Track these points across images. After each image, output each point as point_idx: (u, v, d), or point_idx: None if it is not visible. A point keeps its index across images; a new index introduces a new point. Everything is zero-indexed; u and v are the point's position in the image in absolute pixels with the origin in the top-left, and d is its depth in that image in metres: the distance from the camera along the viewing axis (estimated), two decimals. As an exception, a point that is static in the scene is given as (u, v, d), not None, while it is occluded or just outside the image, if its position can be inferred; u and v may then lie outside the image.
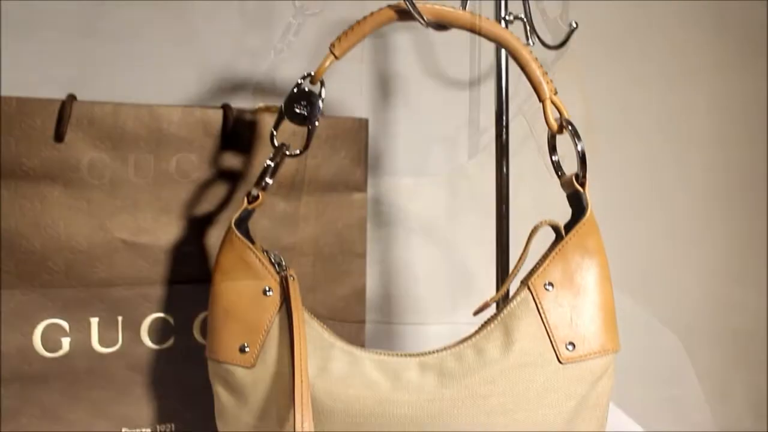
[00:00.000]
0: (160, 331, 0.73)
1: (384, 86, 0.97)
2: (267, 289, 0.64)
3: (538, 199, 0.86)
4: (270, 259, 0.65)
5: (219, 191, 0.75)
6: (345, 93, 0.94)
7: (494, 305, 0.71)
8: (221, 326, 0.64)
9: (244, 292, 0.64)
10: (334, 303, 0.79)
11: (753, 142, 1.10)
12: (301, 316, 0.62)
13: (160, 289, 0.73)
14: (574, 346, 0.62)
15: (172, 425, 0.74)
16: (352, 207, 0.80)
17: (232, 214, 0.66)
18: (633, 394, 0.90)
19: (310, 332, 0.63)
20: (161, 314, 0.73)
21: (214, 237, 0.74)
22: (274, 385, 0.62)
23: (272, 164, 0.66)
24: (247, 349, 0.63)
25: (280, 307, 0.63)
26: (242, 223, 0.67)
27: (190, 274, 0.74)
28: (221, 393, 0.65)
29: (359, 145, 0.80)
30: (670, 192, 1.08)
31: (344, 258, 0.80)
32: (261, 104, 0.77)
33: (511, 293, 0.64)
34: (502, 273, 0.84)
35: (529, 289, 0.63)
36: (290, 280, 0.64)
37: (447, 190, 0.99)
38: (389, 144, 0.98)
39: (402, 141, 0.98)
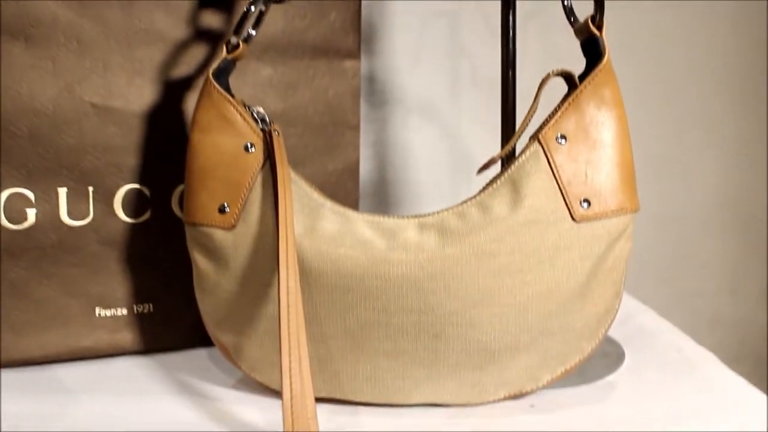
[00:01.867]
0: (135, 204, 0.67)
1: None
2: (249, 145, 0.58)
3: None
4: (252, 115, 0.59)
5: (197, 53, 0.68)
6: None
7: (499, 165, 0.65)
8: (199, 186, 0.58)
9: (223, 149, 0.58)
10: (325, 178, 0.73)
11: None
12: (286, 172, 0.56)
13: (134, 158, 0.67)
14: (589, 203, 0.56)
15: (150, 306, 0.69)
16: (344, 75, 0.74)
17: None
18: (644, 288, 0.85)
19: (297, 191, 0.57)
20: (136, 185, 0.67)
21: (192, 102, 0.68)
22: (257, 247, 0.56)
23: (252, 8, 0.60)
24: (227, 210, 0.57)
25: (263, 165, 0.57)
26: (221, 75, 0.60)
27: (167, 142, 0.67)
28: (200, 260, 0.59)
29: (351, 8, 0.73)
30: (684, 78, 1.01)
31: (335, 129, 0.74)
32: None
33: (518, 152, 0.58)
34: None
35: (539, 142, 0.57)
36: (275, 135, 0.57)
37: (448, 69, 0.92)
38: (386, 20, 0.91)
39: (399, 16, 0.91)
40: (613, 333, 0.72)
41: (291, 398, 0.48)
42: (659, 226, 1.00)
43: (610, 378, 0.63)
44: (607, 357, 0.67)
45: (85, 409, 0.58)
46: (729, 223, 1.04)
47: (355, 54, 0.74)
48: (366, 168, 0.90)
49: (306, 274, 0.55)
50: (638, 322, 0.75)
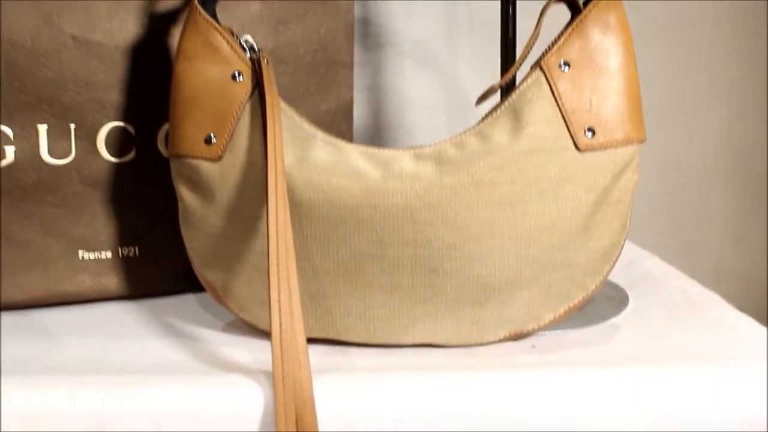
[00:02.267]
0: (119, 142, 0.65)
1: None
2: (237, 74, 0.55)
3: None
4: (240, 43, 0.56)
5: (184, -16, 0.65)
6: None
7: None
8: (184, 116, 0.55)
9: (210, 78, 0.55)
10: (317, 118, 0.70)
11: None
12: (276, 100, 0.53)
13: (118, 94, 0.64)
14: (593, 132, 0.53)
15: (136, 248, 0.66)
16: (337, 12, 0.71)
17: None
18: (647, 239, 0.83)
19: (287, 122, 0.55)
20: (120, 123, 0.64)
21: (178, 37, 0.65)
22: (245, 179, 0.54)
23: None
24: (213, 140, 0.54)
25: (252, 93, 0.55)
26: (208, 2, 0.57)
27: (153, 78, 0.64)
28: (185, 194, 0.56)
29: (345, -58, 0.70)
30: (688, 25, 0.98)
31: (328, 68, 0.71)
32: None
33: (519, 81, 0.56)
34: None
35: (541, 69, 0.54)
36: (263, 63, 0.55)
37: (444, 12, 0.88)
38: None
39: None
40: (616, 278, 0.69)
41: (280, 333, 0.46)
42: (662, 175, 0.97)
43: (614, 320, 0.61)
44: (610, 300, 0.65)
45: (67, 351, 0.56)
46: (733, 174, 1.02)
47: (348, -11, 0.71)
48: (359, 113, 0.87)
49: (296, 205, 0.52)
50: (642, 268, 0.73)
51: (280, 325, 0.46)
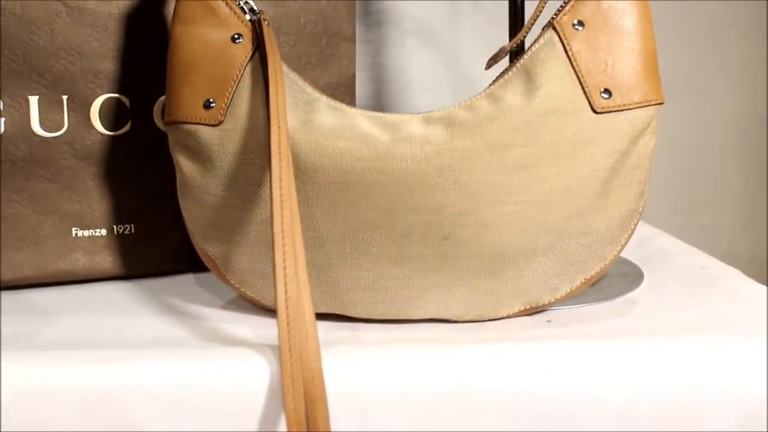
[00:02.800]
0: (113, 115, 0.62)
1: None
2: (236, 36, 0.53)
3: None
4: (239, 5, 0.54)
5: (179, -48, 0.63)
6: None
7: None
8: (181, 81, 0.53)
9: (208, 41, 0.53)
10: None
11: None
12: (278, 60, 0.51)
13: (112, 64, 0.61)
14: (610, 93, 0.51)
15: (132, 226, 0.64)
16: (338, -18, 0.68)
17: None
18: (657, 219, 0.80)
19: (290, 84, 0.52)
20: (115, 95, 0.62)
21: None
22: (246, 144, 0.51)
23: None
24: (212, 104, 0.52)
25: (252, 55, 0.52)
26: (205, -37, 0.55)
27: (149, 48, 0.62)
28: (183, 163, 0.54)
29: None
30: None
31: (330, 40, 0.68)
32: None
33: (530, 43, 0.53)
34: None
35: (554, 29, 0.52)
36: (264, 24, 0.52)
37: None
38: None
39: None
40: (629, 255, 0.67)
41: (286, 300, 0.43)
42: (672, 154, 0.95)
43: (630, 295, 0.58)
44: (625, 276, 0.62)
45: (63, 328, 0.53)
46: (745, 152, 0.99)
47: (350, -40, 0.69)
48: (360, 93, 0.85)
49: (301, 170, 0.50)
50: (655, 245, 0.71)
51: (286, 292, 0.43)
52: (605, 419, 0.44)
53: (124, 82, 0.62)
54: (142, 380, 0.44)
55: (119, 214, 0.63)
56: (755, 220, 1.00)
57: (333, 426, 0.42)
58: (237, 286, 0.54)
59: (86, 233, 0.63)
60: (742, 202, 1.00)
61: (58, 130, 0.61)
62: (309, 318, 0.44)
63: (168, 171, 0.60)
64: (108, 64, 0.61)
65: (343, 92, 0.70)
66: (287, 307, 0.43)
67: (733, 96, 0.99)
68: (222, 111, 0.52)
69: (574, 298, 0.55)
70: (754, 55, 0.99)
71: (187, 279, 0.65)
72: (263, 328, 0.52)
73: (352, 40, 0.70)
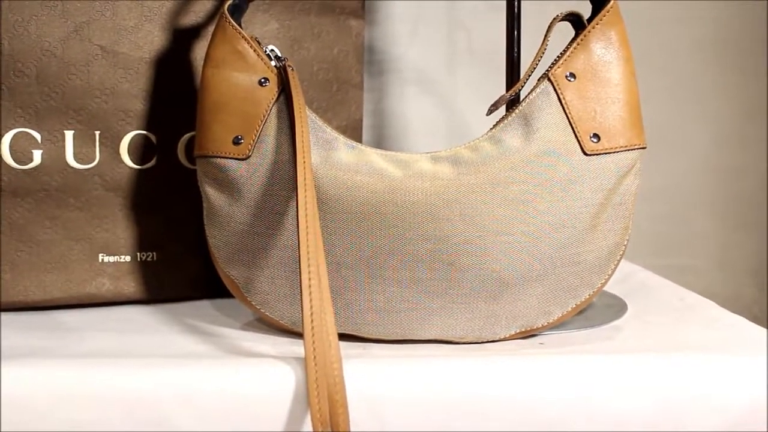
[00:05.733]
0: (141, 150, 0.67)
1: None
2: (263, 80, 0.58)
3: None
4: (265, 51, 0.59)
5: (206, 2, 0.69)
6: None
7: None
8: (212, 120, 0.58)
9: (238, 84, 0.58)
10: (329, 134, 0.73)
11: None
12: (302, 102, 0.56)
13: (141, 104, 0.67)
14: (598, 138, 0.57)
15: (154, 254, 0.68)
16: (348, 33, 0.75)
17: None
18: (634, 261, 0.86)
19: (312, 124, 0.58)
20: (143, 132, 0.67)
21: (200, 52, 0.68)
22: (271, 176, 0.56)
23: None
24: (241, 141, 0.57)
25: (278, 98, 0.58)
26: (236, 11, 0.61)
27: (175, 90, 0.68)
28: (211, 194, 0.59)
29: (356, -31, 0.74)
30: (675, 52, 1.02)
31: (339, 86, 0.74)
32: None
33: (525, 93, 0.59)
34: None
35: (549, 80, 0.58)
36: (289, 69, 0.58)
37: (445, 41, 0.93)
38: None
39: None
40: (613, 289, 0.72)
41: (311, 313, 0.48)
42: (649, 199, 1.01)
43: (616, 323, 0.64)
44: (610, 308, 0.67)
45: (88, 345, 0.57)
46: (720, 199, 1.06)
47: (359, 13, 0.75)
48: (363, 139, 0.90)
49: (322, 201, 0.55)
50: (637, 279, 0.76)
51: (311, 307, 0.48)
52: (596, 425, 0.49)
53: (151, 121, 0.67)
54: (177, 385, 0.48)
55: (143, 242, 0.68)
56: (729, 264, 1.06)
57: (351, 427, 0.47)
58: (258, 307, 0.59)
59: (112, 259, 0.67)
60: (716, 246, 1.06)
61: (90, 163, 0.66)
62: (331, 330, 0.49)
63: (189, 203, 0.66)
64: (138, 104, 0.67)
65: (351, 135, 0.75)
66: (312, 320, 0.48)
67: (708, 145, 1.05)
68: (250, 146, 0.57)
69: (564, 324, 0.60)
70: (727, 107, 1.05)
71: (205, 304, 0.69)
72: (282, 345, 0.57)
73: (360, 87, 0.75)
